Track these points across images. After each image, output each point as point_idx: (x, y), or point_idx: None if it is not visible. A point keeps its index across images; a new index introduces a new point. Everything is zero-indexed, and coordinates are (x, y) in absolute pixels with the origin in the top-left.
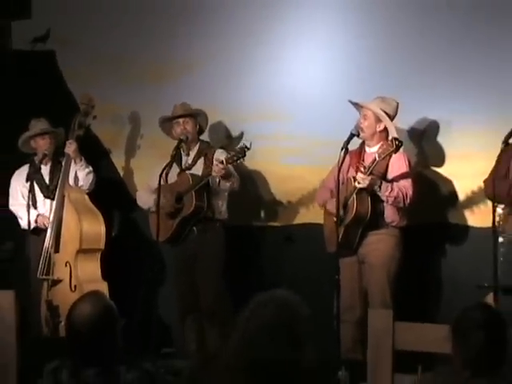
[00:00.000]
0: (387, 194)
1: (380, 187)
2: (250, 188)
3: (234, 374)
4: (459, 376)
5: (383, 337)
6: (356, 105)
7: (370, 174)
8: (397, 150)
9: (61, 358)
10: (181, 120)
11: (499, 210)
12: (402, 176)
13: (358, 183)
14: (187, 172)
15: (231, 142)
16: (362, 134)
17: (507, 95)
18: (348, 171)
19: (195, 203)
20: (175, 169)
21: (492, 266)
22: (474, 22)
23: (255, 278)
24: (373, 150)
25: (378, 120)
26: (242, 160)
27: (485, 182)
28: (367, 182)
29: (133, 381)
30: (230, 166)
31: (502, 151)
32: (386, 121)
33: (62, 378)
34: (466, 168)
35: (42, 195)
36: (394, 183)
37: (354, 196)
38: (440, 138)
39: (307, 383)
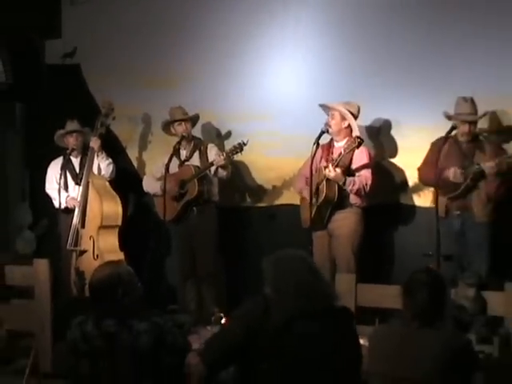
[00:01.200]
0: (350, 187)
1: (345, 183)
2: (239, 176)
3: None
4: (409, 326)
5: (348, 296)
6: (325, 106)
7: (337, 165)
8: (358, 146)
9: (86, 313)
10: (185, 122)
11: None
12: (364, 167)
13: (328, 173)
14: (189, 164)
15: (221, 139)
16: (330, 131)
17: (449, 97)
18: (320, 161)
19: (198, 189)
20: (174, 161)
21: (435, 238)
22: (419, 30)
23: (243, 249)
24: (340, 145)
25: (343, 118)
26: (240, 154)
27: (418, 169)
28: (333, 175)
29: (144, 330)
30: (228, 157)
31: (432, 143)
32: (350, 119)
33: (87, 328)
34: (414, 159)
35: (72, 182)
36: (356, 176)
37: (324, 182)
38: (393, 134)
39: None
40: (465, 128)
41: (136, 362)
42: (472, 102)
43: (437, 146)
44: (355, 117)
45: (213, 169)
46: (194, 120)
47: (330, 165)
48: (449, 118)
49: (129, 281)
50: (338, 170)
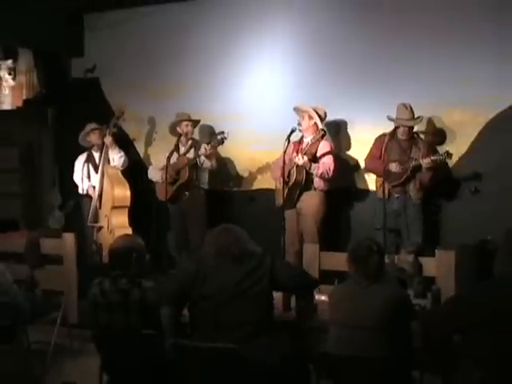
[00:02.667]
0: (315, 171)
1: (310, 167)
2: (225, 166)
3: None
4: (360, 285)
5: (313, 261)
6: (297, 109)
7: (305, 154)
8: (322, 137)
9: (104, 275)
10: (188, 123)
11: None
12: (326, 154)
13: (297, 160)
14: (184, 156)
15: (213, 135)
16: (299, 128)
17: (394, 100)
18: (292, 154)
19: (188, 175)
20: (174, 155)
21: (381, 215)
22: (370, 47)
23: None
24: (307, 140)
25: (311, 118)
26: (221, 145)
27: (365, 160)
28: (302, 162)
29: (151, 287)
30: (211, 150)
31: (376, 138)
32: (316, 118)
33: (105, 286)
34: (365, 151)
35: (93, 171)
36: (321, 162)
37: (295, 168)
38: (348, 131)
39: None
40: (404, 130)
41: (144, 312)
42: (411, 108)
43: (380, 142)
44: (322, 119)
45: (202, 160)
46: (195, 123)
47: (299, 153)
48: (392, 120)
49: (140, 251)
50: (305, 158)
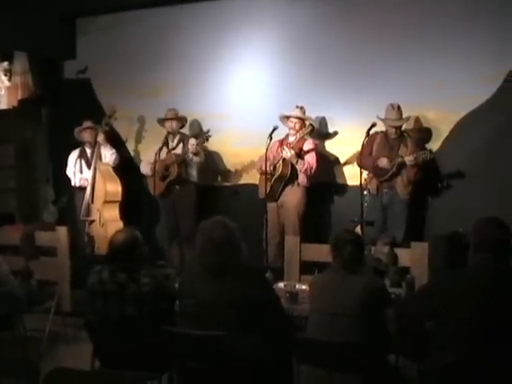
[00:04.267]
0: (300, 167)
1: (297, 162)
2: (213, 162)
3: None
4: (338, 274)
5: (294, 252)
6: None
7: (292, 148)
8: (311, 132)
9: (98, 266)
10: (172, 122)
11: (364, 175)
12: (310, 151)
13: (285, 154)
14: (172, 152)
15: (201, 132)
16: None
17: (376, 102)
18: (281, 147)
19: (177, 171)
20: (163, 150)
21: (360, 208)
22: (354, 49)
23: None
24: (292, 139)
25: (301, 121)
26: (206, 142)
27: (357, 158)
28: (289, 155)
29: (147, 282)
30: (199, 147)
31: (369, 136)
32: (308, 119)
33: (103, 275)
34: (345, 149)
35: (86, 167)
36: (306, 159)
37: (281, 162)
38: (329, 130)
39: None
40: (392, 129)
41: (139, 305)
42: (398, 108)
43: (371, 140)
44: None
45: (191, 156)
46: (181, 119)
47: (286, 147)
48: (381, 120)
49: (139, 245)
50: (293, 152)
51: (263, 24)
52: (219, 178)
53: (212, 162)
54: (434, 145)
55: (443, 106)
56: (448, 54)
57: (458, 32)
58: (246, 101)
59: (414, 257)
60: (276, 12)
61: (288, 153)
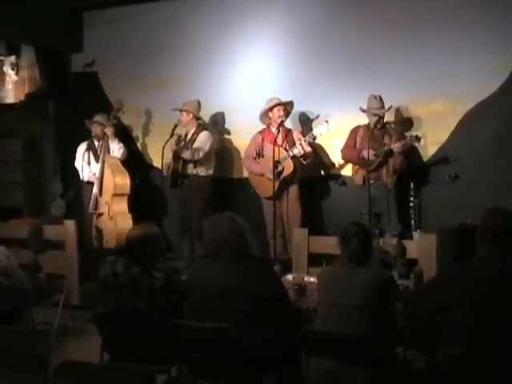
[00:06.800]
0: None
1: (305, 159)
2: (223, 155)
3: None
4: (346, 266)
5: (302, 244)
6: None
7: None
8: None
9: (116, 255)
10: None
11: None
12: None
13: (303, 148)
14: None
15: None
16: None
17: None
18: (296, 141)
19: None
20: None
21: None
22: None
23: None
24: (274, 130)
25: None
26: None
27: (341, 150)
28: (309, 149)
29: (160, 277)
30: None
31: (351, 130)
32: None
33: (117, 267)
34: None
35: (94, 160)
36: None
37: (289, 160)
38: (334, 121)
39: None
40: (375, 119)
41: (150, 299)
42: (380, 99)
43: (354, 132)
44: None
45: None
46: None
47: (303, 141)
48: (363, 111)
49: (155, 239)
50: (309, 148)
51: (268, 16)
52: (227, 171)
53: (221, 155)
54: (442, 136)
55: (451, 97)
56: (455, 45)
57: (466, 22)
58: (252, 93)
59: (421, 249)
60: (281, 4)
61: (300, 150)
